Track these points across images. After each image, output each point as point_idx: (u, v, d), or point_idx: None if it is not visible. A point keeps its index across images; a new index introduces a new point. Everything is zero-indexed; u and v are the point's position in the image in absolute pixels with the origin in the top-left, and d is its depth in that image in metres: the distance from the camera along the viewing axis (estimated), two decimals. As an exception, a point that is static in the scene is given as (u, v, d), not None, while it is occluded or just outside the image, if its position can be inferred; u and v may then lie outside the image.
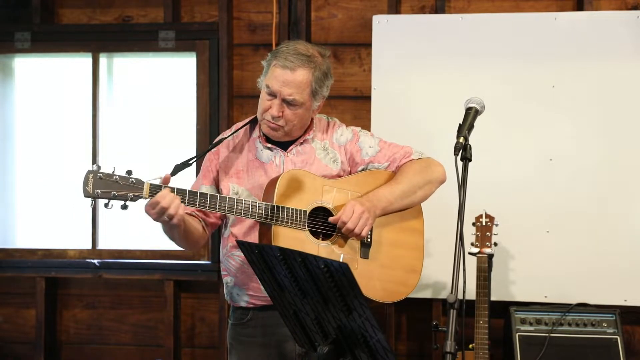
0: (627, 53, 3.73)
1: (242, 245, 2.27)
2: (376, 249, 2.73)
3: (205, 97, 4.14)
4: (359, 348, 2.08)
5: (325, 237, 2.68)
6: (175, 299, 4.15)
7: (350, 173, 2.80)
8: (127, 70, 4.36)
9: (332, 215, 2.67)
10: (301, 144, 2.78)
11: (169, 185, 2.52)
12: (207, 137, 4.11)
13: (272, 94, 2.67)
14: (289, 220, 2.60)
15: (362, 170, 2.81)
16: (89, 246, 4.25)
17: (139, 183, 2.47)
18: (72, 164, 4.33)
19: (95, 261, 4.19)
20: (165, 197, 2.47)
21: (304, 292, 2.13)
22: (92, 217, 4.21)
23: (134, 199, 2.47)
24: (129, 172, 2.48)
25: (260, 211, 2.59)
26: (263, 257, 2.19)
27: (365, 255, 2.71)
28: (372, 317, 1.98)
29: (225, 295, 2.87)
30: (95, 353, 4.27)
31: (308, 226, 2.64)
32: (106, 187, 2.43)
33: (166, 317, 4.15)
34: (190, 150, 4.17)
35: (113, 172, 2.45)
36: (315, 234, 2.67)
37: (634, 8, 3.90)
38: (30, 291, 4.25)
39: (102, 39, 4.23)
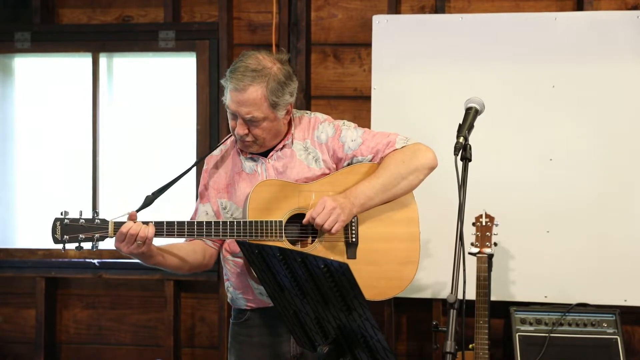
0: (627, 53, 3.72)
1: (242, 245, 2.27)
2: (364, 247, 2.67)
3: (205, 97, 4.14)
4: (359, 348, 2.08)
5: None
6: (175, 299, 4.15)
7: (337, 169, 2.74)
8: (127, 70, 4.36)
9: None
10: (281, 148, 2.73)
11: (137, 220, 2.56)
12: (207, 137, 4.11)
13: (233, 115, 2.64)
14: (264, 233, 2.57)
15: (348, 165, 2.73)
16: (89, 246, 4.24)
17: (104, 223, 2.57)
18: (72, 163, 4.32)
19: (95, 261, 4.19)
20: (131, 225, 2.52)
21: (304, 292, 2.13)
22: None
23: (101, 239, 2.59)
24: (96, 214, 2.58)
25: (232, 230, 2.57)
26: (263, 257, 2.19)
27: (352, 255, 2.65)
28: (372, 317, 1.98)
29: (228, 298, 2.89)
30: (95, 353, 4.27)
31: (287, 235, 2.61)
32: (74, 232, 2.56)
33: (166, 317, 4.15)
34: (190, 150, 4.17)
35: (80, 216, 2.56)
36: (297, 241, 2.63)
37: (634, 8, 3.90)
38: (30, 291, 4.25)
39: (102, 39, 4.23)
